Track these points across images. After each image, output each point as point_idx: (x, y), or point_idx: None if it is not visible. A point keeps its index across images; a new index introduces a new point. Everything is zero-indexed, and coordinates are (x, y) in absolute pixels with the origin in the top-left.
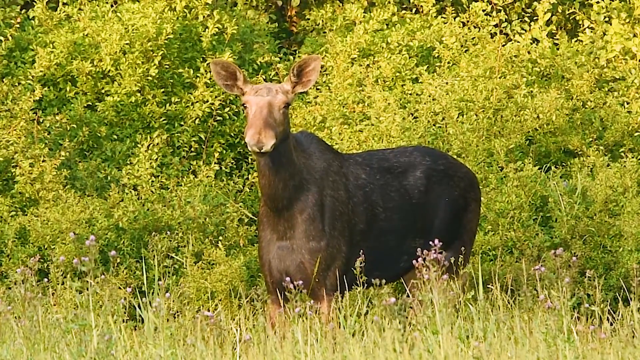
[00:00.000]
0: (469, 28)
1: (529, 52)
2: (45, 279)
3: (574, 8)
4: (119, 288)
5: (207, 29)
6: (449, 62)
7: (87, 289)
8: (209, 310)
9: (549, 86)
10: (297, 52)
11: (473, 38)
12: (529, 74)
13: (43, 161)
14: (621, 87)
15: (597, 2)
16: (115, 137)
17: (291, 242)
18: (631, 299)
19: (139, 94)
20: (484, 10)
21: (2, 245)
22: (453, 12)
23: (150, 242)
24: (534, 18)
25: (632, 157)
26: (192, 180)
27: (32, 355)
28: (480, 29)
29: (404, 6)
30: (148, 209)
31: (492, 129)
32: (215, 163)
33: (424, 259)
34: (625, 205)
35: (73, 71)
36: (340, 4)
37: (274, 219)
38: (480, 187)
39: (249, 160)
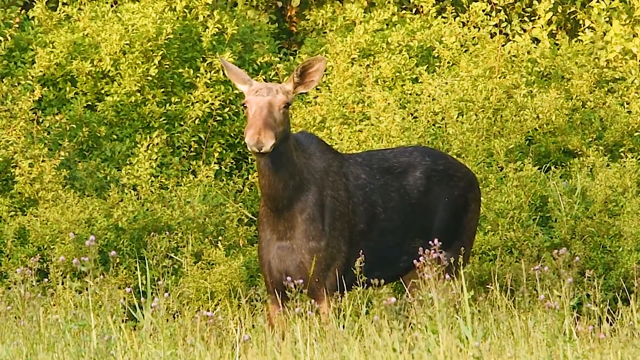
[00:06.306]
0: (468, 28)
1: (528, 52)
2: (45, 279)
3: (575, 8)
4: (119, 288)
5: (207, 29)
6: (448, 62)
7: (87, 289)
8: (208, 310)
9: (549, 86)
10: (297, 52)
11: (473, 38)
12: (528, 73)
13: (42, 161)
14: (621, 87)
15: (598, 3)
16: (114, 137)
17: (291, 242)
18: (631, 298)
19: (138, 94)
20: (483, 10)
21: (1, 245)
22: (453, 12)
23: (149, 242)
24: (533, 18)
25: (632, 157)
26: (192, 180)
27: (32, 355)
28: (480, 29)
29: (404, 6)
30: (147, 209)
31: (492, 129)
32: (215, 163)
33: (425, 259)
34: (624, 206)
35: (73, 71)
36: (340, 4)
37: (274, 219)
38: (480, 187)
39: (249, 160)
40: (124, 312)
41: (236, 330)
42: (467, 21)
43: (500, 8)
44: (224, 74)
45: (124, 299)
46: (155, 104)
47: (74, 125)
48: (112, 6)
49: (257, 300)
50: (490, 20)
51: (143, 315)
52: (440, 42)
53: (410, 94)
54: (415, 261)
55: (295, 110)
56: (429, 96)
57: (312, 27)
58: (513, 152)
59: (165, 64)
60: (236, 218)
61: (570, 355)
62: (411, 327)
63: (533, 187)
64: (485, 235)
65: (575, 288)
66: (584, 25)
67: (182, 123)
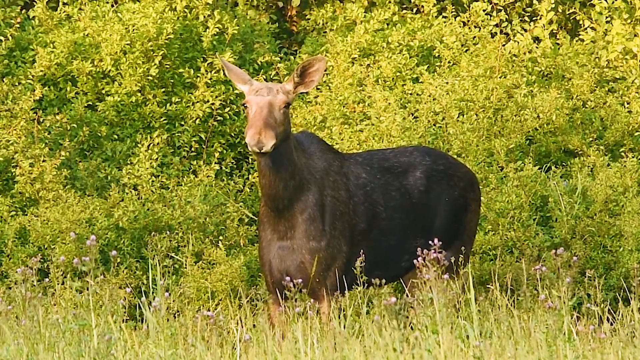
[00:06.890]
0: (469, 28)
1: (529, 52)
2: (46, 279)
3: (574, 8)
4: (119, 288)
5: (207, 29)
6: (449, 62)
7: (87, 289)
8: (209, 310)
9: (549, 86)
10: (297, 52)
11: (473, 38)
12: (529, 73)
13: (43, 161)
14: (621, 87)
15: (600, 2)
16: (115, 137)
17: (292, 242)
18: (631, 298)
19: (139, 94)
20: (484, 10)
21: (2, 245)
22: (453, 11)
23: (150, 242)
24: (535, 18)
25: (633, 157)
26: (193, 180)
27: (32, 355)
28: (480, 28)
29: (405, 6)
30: (148, 209)
31: (492, 128)
32: (215, 163)
33: (424, 259)
34: (625, 205)
35: (73, 71)
36: (341, 4)
37: (274, 219)
38: (481, 186)
39: (250, 160)
40: (125, 312)
41: (237, 330)
42: (468, 21)
43: (501, 8)
44: (224, 73)
45: (125, 298)
46: (156, 104)
47: (75, 125)
48: (112, 6)
49: (257, 300)
50: (490, 20)
51: (142, 315)
52: (441, 41)
53: (410, 94)
54: (415, 261)
55: (295, 110)
56: (430, 96)
57: (313, 26)
58: (513, 152)
59: (166, 64)
60: (237, 218)
61: (571, 355)
62: (411, 327)
63: (533, 186)
64: (486, 235)
65: (575, 288)
66: (584, 25)
67: (182, 123)
